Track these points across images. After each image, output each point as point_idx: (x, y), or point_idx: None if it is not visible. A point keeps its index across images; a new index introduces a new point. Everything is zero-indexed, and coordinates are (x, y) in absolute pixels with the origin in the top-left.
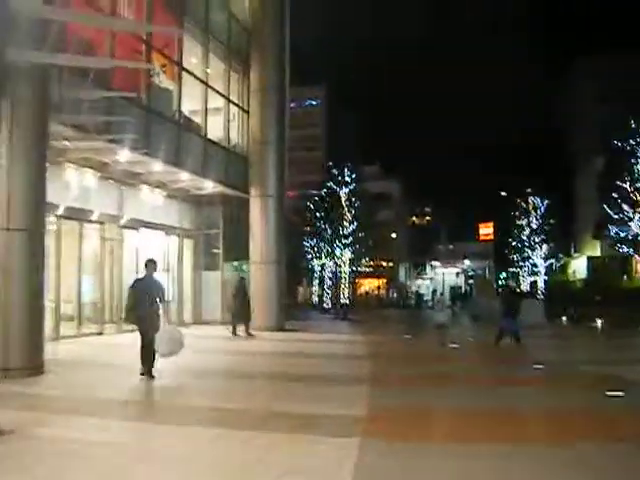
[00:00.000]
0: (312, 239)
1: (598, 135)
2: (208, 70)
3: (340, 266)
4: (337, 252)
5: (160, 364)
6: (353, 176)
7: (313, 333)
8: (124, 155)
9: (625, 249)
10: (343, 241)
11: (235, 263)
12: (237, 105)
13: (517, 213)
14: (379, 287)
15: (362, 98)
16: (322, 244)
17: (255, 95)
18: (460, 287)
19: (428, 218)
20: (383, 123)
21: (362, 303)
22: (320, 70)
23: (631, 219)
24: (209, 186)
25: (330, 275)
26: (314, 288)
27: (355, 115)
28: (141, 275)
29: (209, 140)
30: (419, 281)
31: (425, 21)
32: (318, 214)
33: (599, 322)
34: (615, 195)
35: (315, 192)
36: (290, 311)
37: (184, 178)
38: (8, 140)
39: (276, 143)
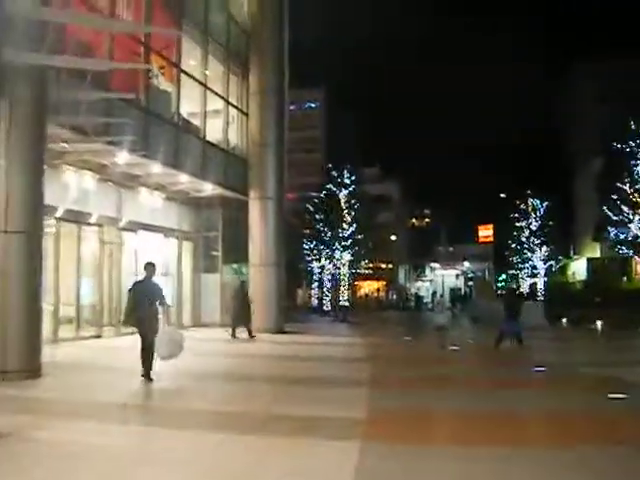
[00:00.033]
0: (311, 241)
1: (598, 136)
2: (207, 72)
3: (339, 268)
4: (336, 254)
5: (160, 366)
6: (352, 178)
7: (312, 335)
8: (123, 157)
9: (625, 250)
10: (342, 243)
11: (234, 265)
12: (236, 107)
13: (516, 215)
14: (379, 289)
15: (361, 100)
16: (321, 246)
17: (254, 98)
18: (460, 289)
19: (427, 220)
20: (382, 124)
21: (361, 305)
22: (319, 73)
23: (631, 221)
24: (208, 188)
25: (329, 277)
26: (313, 290)
27: (354, 117)
28: (140, 278)
29: (208, 142)
30: (419, 283)
31: (424, 21)
32: (317, 216)
33: (599, 324)
34: (615, 197)
35: (314, 194)
36: (289, 313)
37: (183, 180)
38: (6, 142)
39: (275, 145)
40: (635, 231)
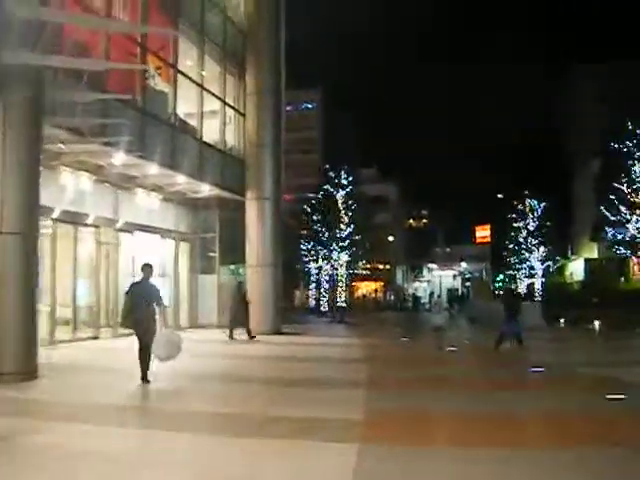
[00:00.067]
0: (309, 242)
1: (597, 136)
2: (204, 73)
3: (337, 269)
4: (334, 255)
5: (158, 368)
6: (350, 179)
7: (310, 336)
8: (119, 158)
9: (622, 251)
10: (340, 244)
11: (232, 266)
12: (233, 108)
13: (514, 215)
14: (376, 290)
15: (358, 100)
16: (319, 247)
17: (251, 98)
18: (457, 290)
19: (425, 221)
20: (380, 125)
21: (359, 306)
22: (316, 73)
23: (628, 221)
24: (205, 189)
25: (327, 278)
26: (311, 291)
27: (351, 118)
28: (137, 279)
29: (205, 143)
30: (416, 284)
31: (423, 20)
32: (315, 217)
33: (597, 324)
34: (612, 197)
35: (311, 195)
36: (287, 314)
37: (180, 181)
38: (2, 142)
39: (272, 146)
40: (633, 231)
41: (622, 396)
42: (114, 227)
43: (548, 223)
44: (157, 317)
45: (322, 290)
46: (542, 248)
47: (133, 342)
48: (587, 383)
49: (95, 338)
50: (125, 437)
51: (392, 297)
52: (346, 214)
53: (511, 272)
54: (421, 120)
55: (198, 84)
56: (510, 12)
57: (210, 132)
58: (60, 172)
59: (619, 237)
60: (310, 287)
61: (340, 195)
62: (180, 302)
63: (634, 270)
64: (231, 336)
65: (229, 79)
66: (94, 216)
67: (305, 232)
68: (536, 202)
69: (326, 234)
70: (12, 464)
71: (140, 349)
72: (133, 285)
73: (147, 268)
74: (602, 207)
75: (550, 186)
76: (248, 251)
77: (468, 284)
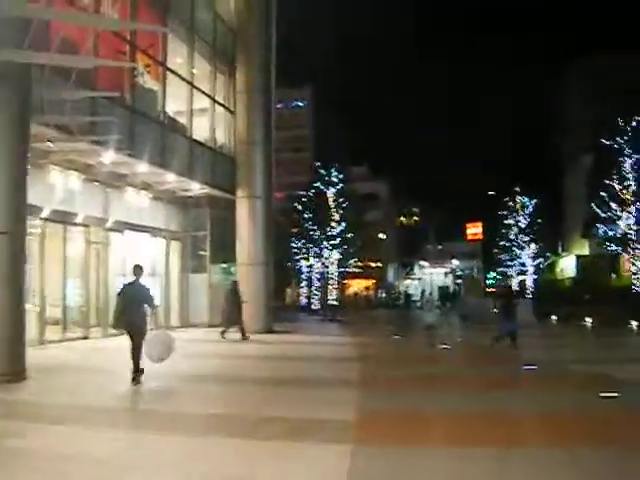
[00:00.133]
0: (300, 240)
1: (589, 132)
2: (193, 70)
3: (328, 267)
4: (325, 253)
5: (149, 368)
6: (341, 176)
7: (301, 335)
8: (108, 156)
9: (613, 247)
10: (331, 242)
11: (223, 265)
12: (223, 106)
13: (505, 212)
14: (368, 288)
15: (349, 98)
16: (310, 245)
17: (241, 96)
18: (448, 287)
19: (416, 218)
20: (370, 123)
21: (351, 304)
22: (306, 72)
23: (619, 217)
24: (195, 187)
25: (318, 276)
26: (302, 289)
27: (342, 116)
28: (129, 280)
29: (195, 141)
30: (408, 281)
31: (420, 19)
32: (306, 215)
33: (588, 321)
34: (603, 193)
35: (302, 193)
36: (278, 313)
37: (170, 179)
38: None
39: (263, 144)
40: (623, 228)
41: (615, 394)
42: (104, 226)
43: (539, 220)
44: (148, 318)
45: (313, 288)
46: (533, 245)
47: (123, 342)
48: (580, 381)
49: (85, 338)
50: (116, 439)
51: (384, 295)
52: (337, 212)
53: (502, 269)
54: (412, 118)
55: (188, 82)
56: (510, 12)
57: (200, 130)
58: (49, 171)
59: (610, 234)
60: (301, 285)
61: (331, 193)
62: (171, 301)
63: (625, 267)
64: (223, 335)
65: (219, 77)
66: (83, 215)
67: (296, 230)
68: (527, 199)
69: (317, 232)
70: (1, 466)
71: (132, 349)
72: (125, 286)
73: (138, 269)
74: (593, 204)
75: (541, 183)
76: (239, 249)
77: (459, 281)
